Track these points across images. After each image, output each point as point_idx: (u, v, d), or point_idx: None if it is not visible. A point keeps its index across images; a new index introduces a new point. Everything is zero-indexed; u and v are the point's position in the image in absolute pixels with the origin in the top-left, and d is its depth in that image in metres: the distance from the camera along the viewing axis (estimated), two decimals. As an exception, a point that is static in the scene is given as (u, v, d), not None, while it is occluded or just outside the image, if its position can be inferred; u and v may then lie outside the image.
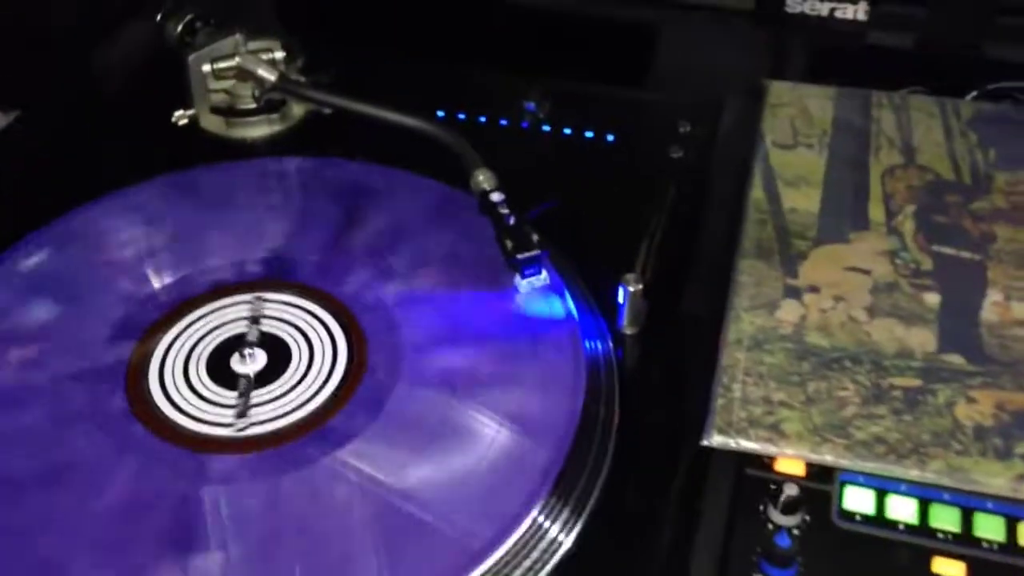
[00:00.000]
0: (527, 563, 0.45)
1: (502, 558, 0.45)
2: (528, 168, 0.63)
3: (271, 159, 0.63)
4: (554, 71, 0.68)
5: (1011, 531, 0.46)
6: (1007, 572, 0.45)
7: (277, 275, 0.56)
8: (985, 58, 0.72)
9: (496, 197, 0.55)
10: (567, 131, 0.66)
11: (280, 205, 0.60)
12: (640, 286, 0.54)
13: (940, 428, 0.49)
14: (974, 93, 0.67)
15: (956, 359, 0.51)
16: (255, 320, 0.53)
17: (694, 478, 0.49)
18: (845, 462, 0.47)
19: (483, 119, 0.66)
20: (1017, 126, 0.65)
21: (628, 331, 0.55)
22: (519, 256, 0.53)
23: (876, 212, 0.59)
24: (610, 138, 0.65)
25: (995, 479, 0.47)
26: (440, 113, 0.67)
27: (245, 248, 0.57)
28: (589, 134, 0.65)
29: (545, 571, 0.45)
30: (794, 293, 0.55)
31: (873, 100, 0.66)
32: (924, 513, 0.47)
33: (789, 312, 0.54)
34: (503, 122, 0.66)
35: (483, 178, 0.56)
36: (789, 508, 0.47)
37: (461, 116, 0.67)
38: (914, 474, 0.47)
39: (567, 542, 0.46)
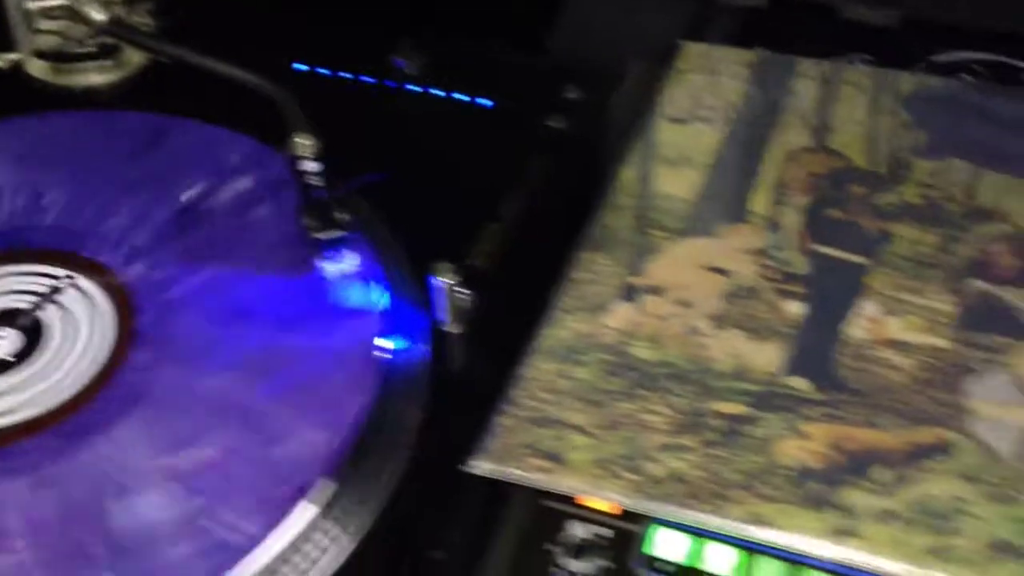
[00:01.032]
0: (293, 564, 0.41)
1: (268, 555, 0.39)
2: (384, 133, 0.56)
3: (63, 113, 0.57)
4: (433, 24, 0.62)
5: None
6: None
7: (26, 244, 0.50)
8: (956, 24, 0.63)
9: (309, 166, 0.49)
10: (437, 92, 0.59)
11: (70, 164, 0.54)
12: (458, 279, 0.48)
13: (753, 467, 0.41)
14: (923, 65, 0.58)
15: (801, 384, 0.43)
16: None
17: (492, 504, 0.44)
18: (628, 501, 0.40)
19: (346, 75, 0.60)
20: (961, 107, 0.55)
21: (451, 329, 0.49)
22: (317, 236, 0.48)
23: (761, 202, 0.51)
24: (486, 103, 0.59)
25: (797, 531, 0.39)
26: (301, 67, 0.60)
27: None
28: (463, 97, 0.59)
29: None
30: (631, 294, 0.47)
31: (798, 69, 0.57)
32: (749, 566, 0.40)
33: (618, 317, 0.46)
34: (367, 79, 0.60)
35: (300, 143, 0.50)
36: (577, 551, 0.41)
37: (323, 71, 0.60)
38: (711, 521, 0.40)
39: (335, 552, 0.41)
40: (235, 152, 0.54)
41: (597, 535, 0.41)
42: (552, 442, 0.42)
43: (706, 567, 0.40)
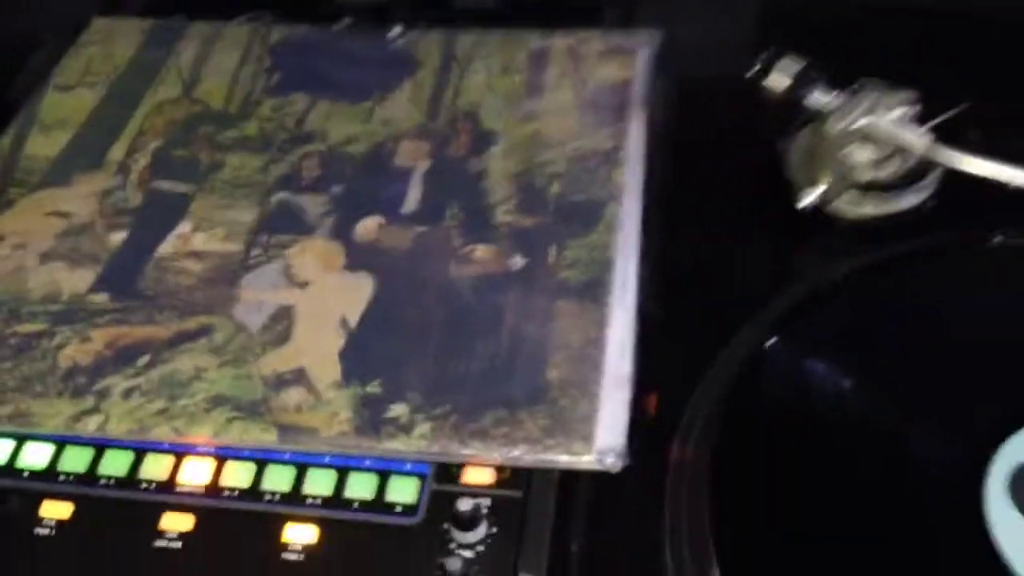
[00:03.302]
0: None
1: None
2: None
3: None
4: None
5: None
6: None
7: None
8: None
9: None
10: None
11: None
12: None
13: (34, 372, 0.47)
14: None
15: (102, 298, 0.50)
16: None
17: None
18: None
19: None
20: (318, 49, 0.62)
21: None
22: None
23: (118, 151, 0.57)
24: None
25: (54, 419, 0.45)
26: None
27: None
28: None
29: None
30: (-26, 244, 0.53)
31: (184, 33, 0.64)
32: (56, 457, 0.45)
33: (-39, 263, 0.53)
34: None
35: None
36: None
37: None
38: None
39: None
40: None
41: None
42: None
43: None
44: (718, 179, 0.56)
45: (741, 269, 0.53)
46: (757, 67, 0.54)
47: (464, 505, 0.43)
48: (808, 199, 0.53)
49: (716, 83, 0.58)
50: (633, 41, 0.59)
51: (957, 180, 0.53)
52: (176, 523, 0.43)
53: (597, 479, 0.45)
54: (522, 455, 0.44)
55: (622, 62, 0.58)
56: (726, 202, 0.55)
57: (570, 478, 0.45)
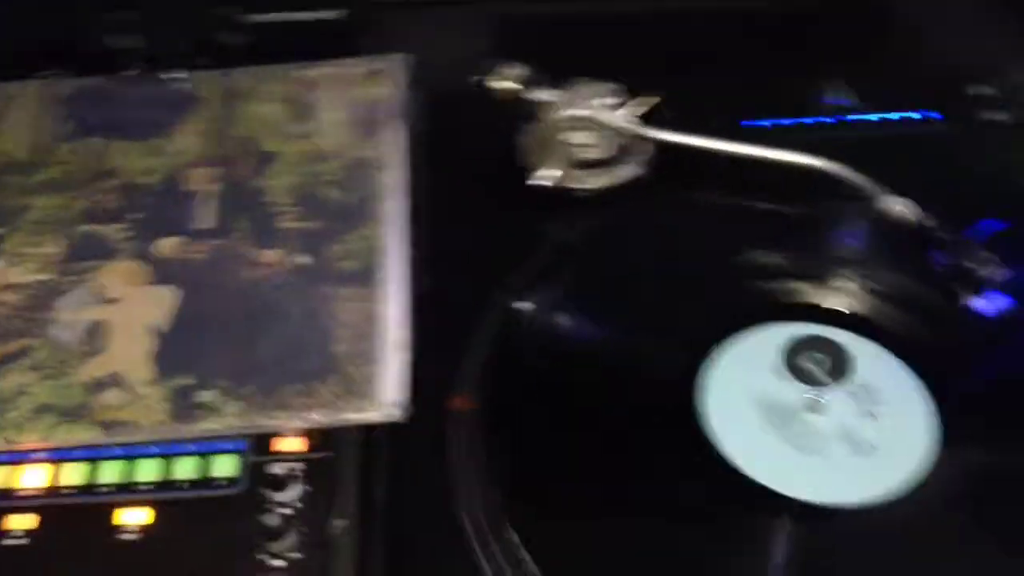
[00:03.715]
0: None
1: None
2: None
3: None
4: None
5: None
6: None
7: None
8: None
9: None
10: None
11: None
12: None
13: None
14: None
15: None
16: None
17: None
18: None
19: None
20: (106, 97, 0.68)
21: None
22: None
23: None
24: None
25: None
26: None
27: None
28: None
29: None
30: None
31: (-20, 93, 0.70)
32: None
33: None
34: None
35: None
36: None
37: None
38: None
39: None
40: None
41: None
42: None
43: None
44: (471, 171, 0.65)
45: (497, 243, 0.62)
46: (488, 75, 0.64)
47: (277, 469, 0.51)
48: (543, 179, 0.63)
49: (462, 92, 0.66)
50: (389, 64, 0.68)
51: (664, 152, 0.65)
52: (20, 523, 0.49)
53: (395, 435, 0.53)
54: (320, 418, 0.52)
55: (381, 82, 0.67)
56: (479, 189, 0.65)
57: (373, 437, 0.53)
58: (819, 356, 0.52)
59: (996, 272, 0.54)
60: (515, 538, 0.48)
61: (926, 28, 0.76)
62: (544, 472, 0.52)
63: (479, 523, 0.50)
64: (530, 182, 0.63)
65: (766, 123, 0.67)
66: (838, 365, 0.51)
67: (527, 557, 0.48)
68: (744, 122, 0.67)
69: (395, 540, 0.51)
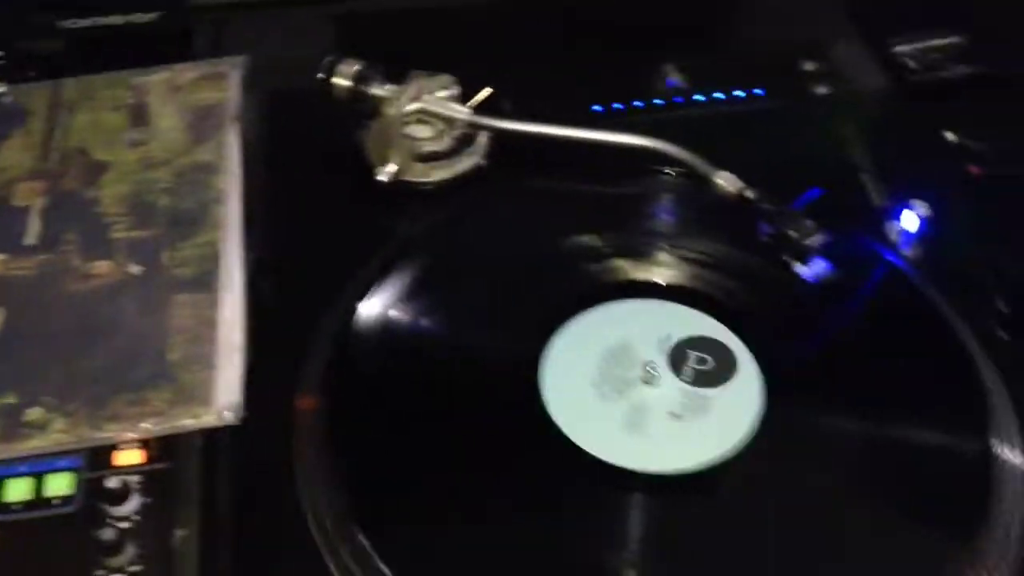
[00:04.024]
0: None
1: None
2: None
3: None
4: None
5: None
6: None
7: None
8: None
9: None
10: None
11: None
12: None
13: None
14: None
15: None
16: None
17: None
18: None
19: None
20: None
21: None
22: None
23: None
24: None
25: None
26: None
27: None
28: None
29: None
30: None
31: None
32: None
33: None
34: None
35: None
36: None
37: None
38: None
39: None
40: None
41: None
42: None
43: None
44: (314, 170, 0.65)
45: (341, 241, 0.61)
46: (326, 73, 0.63)
47: (112, 483, 0.50)
48: (383, 175, 0.62)
49: (302, 92, 0.65)
50: (224, 66, 0.67)
51: (502, 141, 0.65)
52: None
53: (239, 439, 0.52)
54: (152, 427, 0.50)
55: (216, 85, 0.66)
56: (323, 188, 0.64)
57: (214, 443, 0.52)
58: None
59: (816, 239, 0.55)
60: (364, 540, 0.48)
61: (756, 10, 0.78)
62: (391, 470, 0.51)
63: (326, 526, 0.49)
64: (373, 178, 0.63)
65: (599, 108, 0.68)
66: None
67: (377, 558, 0.47)
68: (588, 107, 0.68)
69: (241, 547, 0.49)
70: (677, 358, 0.53)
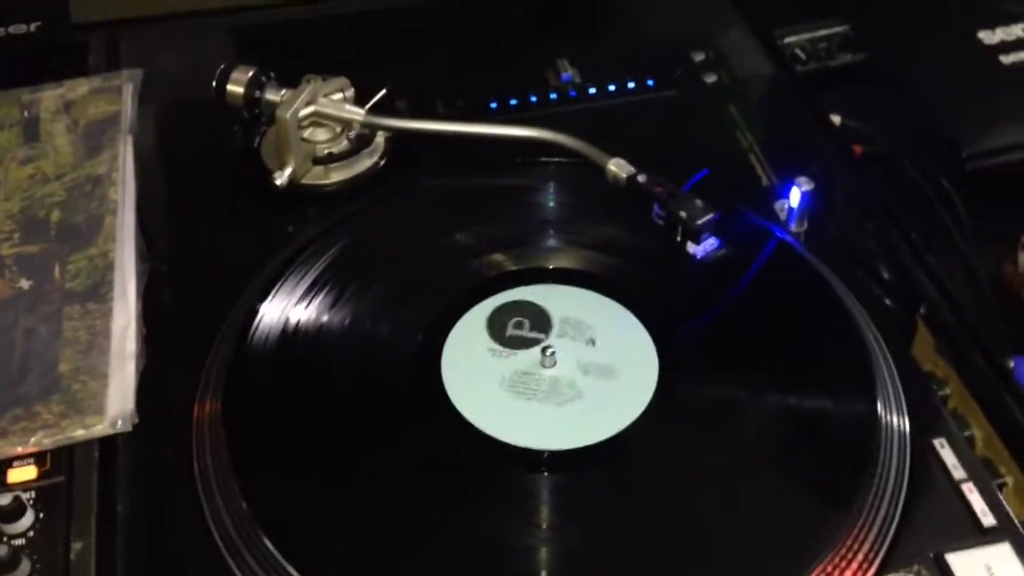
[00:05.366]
0: None
1: None
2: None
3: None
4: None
5: None
6: None
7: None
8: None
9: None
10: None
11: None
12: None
13: None
14: None
15: None
16: None
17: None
18: None
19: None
20: None
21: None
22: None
23: None
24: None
25: None
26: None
27: None
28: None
29: None
30: None
31: None
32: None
33: None
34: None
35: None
36: None
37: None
38: None
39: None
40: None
41: None
42: None
43: None
44: (212, 179, 0.65)
45: (241, 246, 0.61)
46: (216, 81, 0.63)
47: (4, 501, 0.49)
48: (281, 179, 0.62)
49: (197, 101, 0.65)
50: (117, 80, 0.67)
51: (400, 140, 0.65)
52: None
53: (137, 448, 0.52)
54: (42, 439, 0.50)
55: (109, 99, 0.66)
56: (221, 196, 0.64)
57: (111, 453, 0.51)
58: (519, 319, 0.54)
59: (707, 218, 0.56)
60: (269, 543, 0.47)
61: (645, 1, 0.79)
62: (293, 471, 0.51)
63: (229, 532, 0.49)
64: (271, 184, 0.63)
65: (494, 105, 0.69)
66: (538, 320, 0.54)
67: (284, 561, 0.47)
68: (485, 104, 0.69)
69: (142, 557, 0.49)
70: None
